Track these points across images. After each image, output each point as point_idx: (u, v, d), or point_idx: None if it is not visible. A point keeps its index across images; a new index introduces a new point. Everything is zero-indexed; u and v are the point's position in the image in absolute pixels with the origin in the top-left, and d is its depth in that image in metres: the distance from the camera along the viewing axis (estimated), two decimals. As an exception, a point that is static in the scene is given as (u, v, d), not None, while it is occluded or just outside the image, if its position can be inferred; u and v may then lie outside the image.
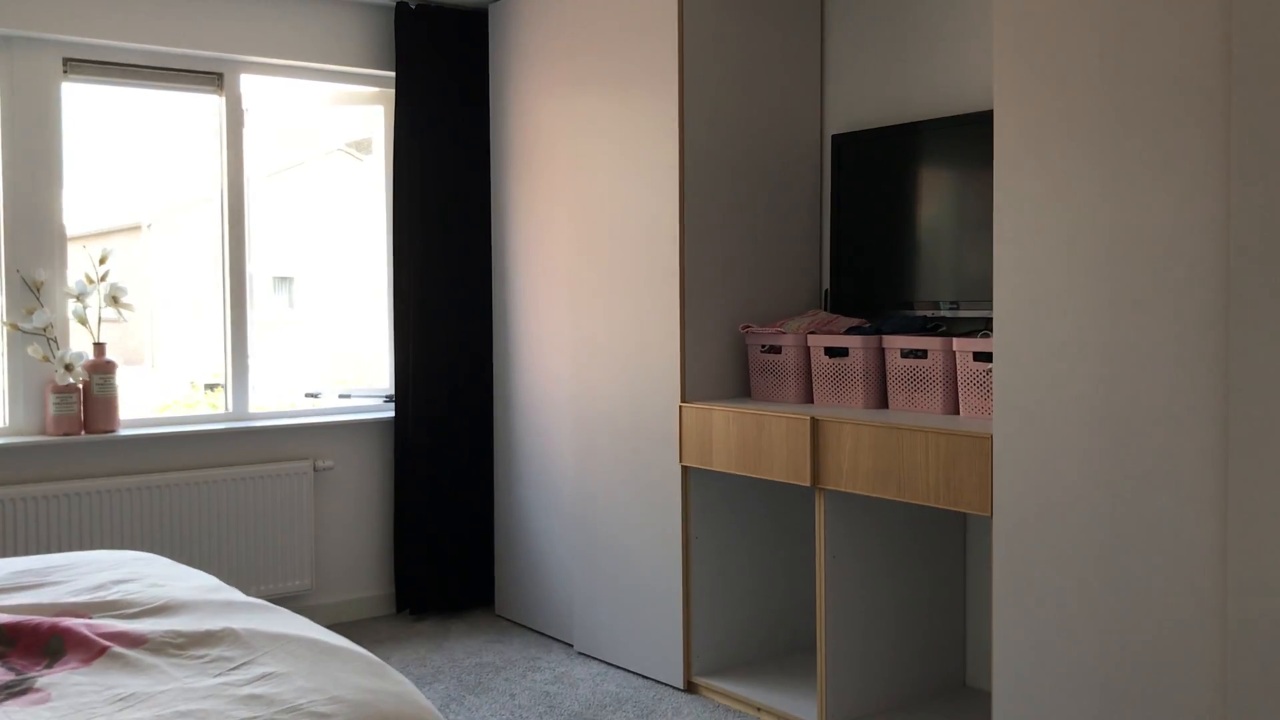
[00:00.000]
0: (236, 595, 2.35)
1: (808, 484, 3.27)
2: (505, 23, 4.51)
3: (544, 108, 4.32)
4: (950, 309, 3.49)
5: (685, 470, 3.70)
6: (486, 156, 4.67)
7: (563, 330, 4.25)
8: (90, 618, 2.19)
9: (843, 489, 3.19)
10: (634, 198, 3.84)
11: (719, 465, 3.57)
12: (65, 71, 4.04)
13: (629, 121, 3.85)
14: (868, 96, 3.84)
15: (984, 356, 3.09)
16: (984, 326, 3.31)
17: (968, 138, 3.39)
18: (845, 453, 3.17)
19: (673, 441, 3.73)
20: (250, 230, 4.46)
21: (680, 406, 3.70)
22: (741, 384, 3.83)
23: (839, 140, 3.84)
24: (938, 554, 3.58)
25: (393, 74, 4.54)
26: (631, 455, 3.90)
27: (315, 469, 4.46)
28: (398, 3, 4.47)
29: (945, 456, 2.89)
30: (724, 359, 3.80)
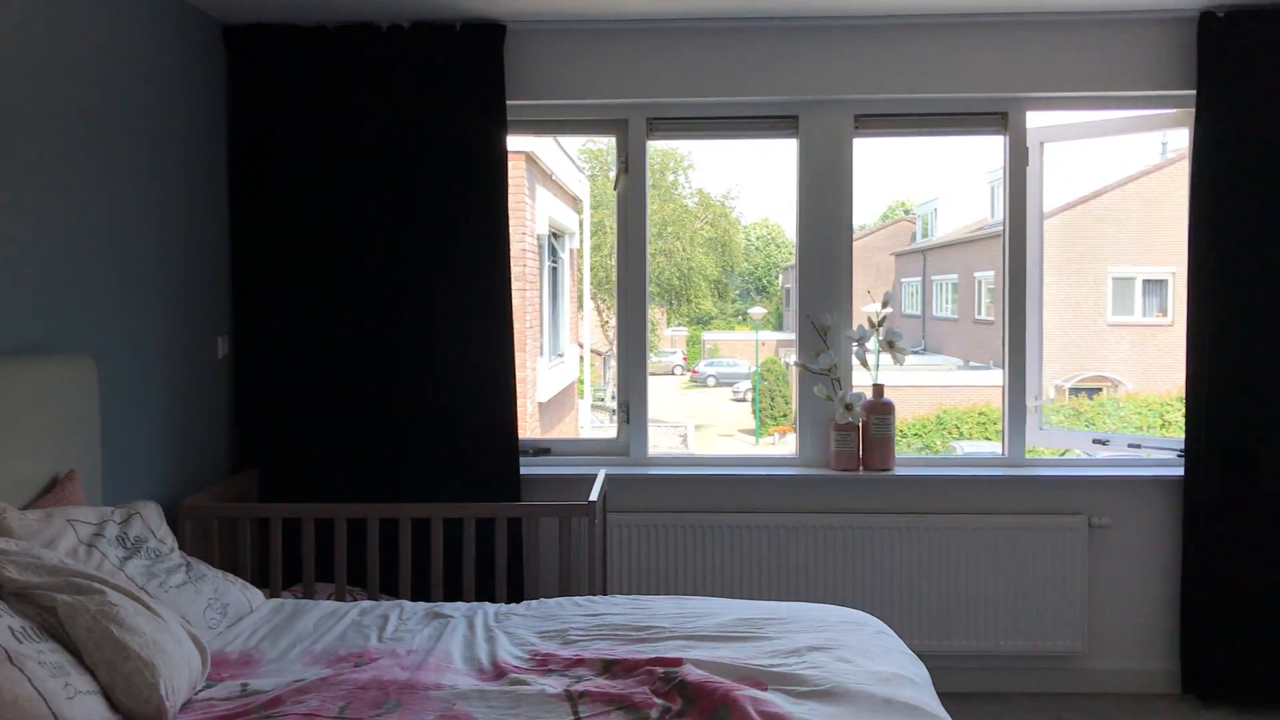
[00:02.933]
0: (905, 693, 2.28)
1: None
2: (1340, 11, 3.71)
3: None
4: None
5: None
6: (1312, 175, 3.89)
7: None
8: (766, 689, 2.30)
9: None
10: None
11: None
12: (856, 128, 4.29)
13: None
14: None
15: None
16: None
17: None
18: None
19: None
20: (1038, 266, 4.30)
21: None
22: None
23: None
24: None
25: (1191, 92, 4.01)
26: None
27: (1090, 525, 4.15)
28: (1202, 13, 3.93)
29: None
30: None
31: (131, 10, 3.39)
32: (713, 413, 28.36)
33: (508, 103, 4.14)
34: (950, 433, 18.17)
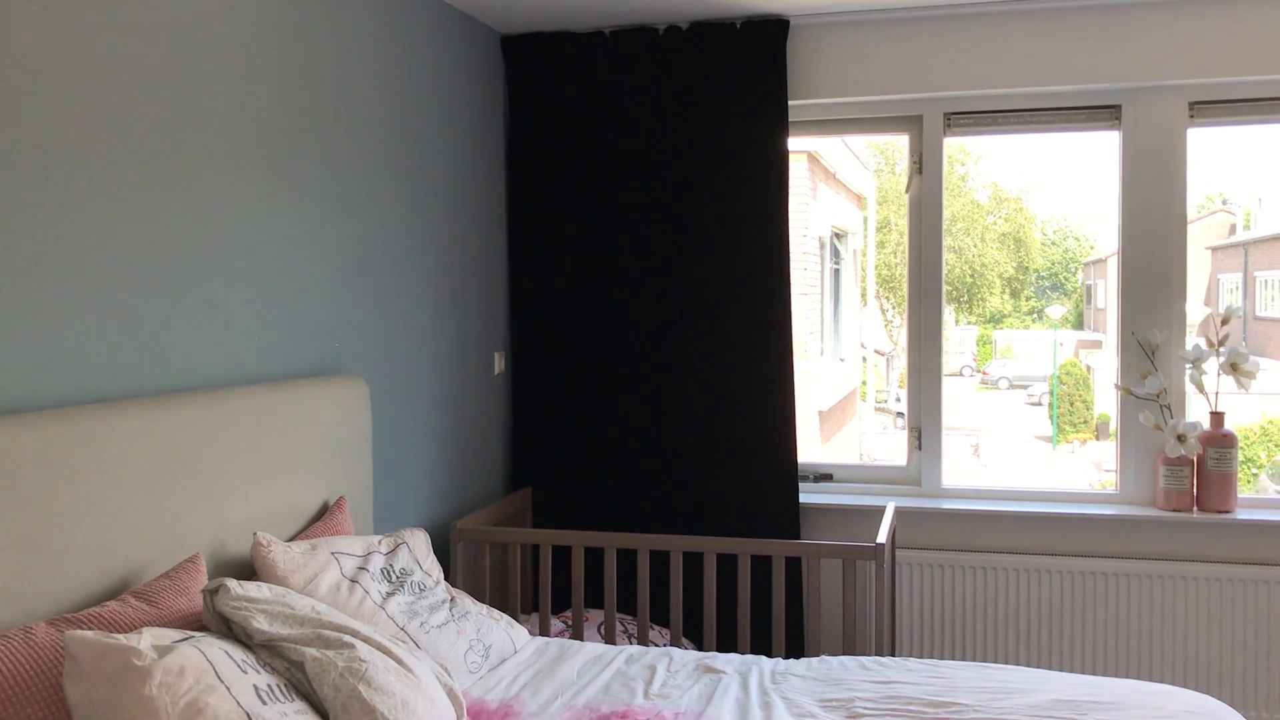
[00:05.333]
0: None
1: None
2: None
3: None
4: None
5: None
6: None
7: None
8: (1095, 801, 1.90)
9: None
10: None
11: None
12: (1191, 116, 3.71)
13: None
14: None
15: None
16: None
17: None
18: None
19: None
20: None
21: None
22: None
23: None
24: None
25: None
26: None
27: None
28: None
29: None
30: None
31: (415, 25, 3.35)
32: (1006, 417, 26.96)
33: (790, 103, 3.87)
34: (1278, 446, 16.35)
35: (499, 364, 3.99)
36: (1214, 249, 23.94)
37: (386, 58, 3.20)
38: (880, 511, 3.83)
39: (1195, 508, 3.68)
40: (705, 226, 3.87)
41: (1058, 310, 29.84)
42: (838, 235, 11.10)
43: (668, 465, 3.90)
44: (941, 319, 3.98)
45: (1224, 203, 26.93)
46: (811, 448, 8.35)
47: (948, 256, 24.80)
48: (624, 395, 3.94)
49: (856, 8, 3.74)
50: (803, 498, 3.88)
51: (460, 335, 3.67)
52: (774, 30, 3.80)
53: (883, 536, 3.15)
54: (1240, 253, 24.29)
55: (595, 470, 3.98)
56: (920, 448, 3.98)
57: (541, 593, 3.38)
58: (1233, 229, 27.11)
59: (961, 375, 32.14)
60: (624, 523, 3.94)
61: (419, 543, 2.77)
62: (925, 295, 3.95)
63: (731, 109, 3.83)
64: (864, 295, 12.96)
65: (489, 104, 3.91)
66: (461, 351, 3.68)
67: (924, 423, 3.97)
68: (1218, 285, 23.05)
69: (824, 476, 4.06)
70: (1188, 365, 3.72)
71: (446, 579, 3.43)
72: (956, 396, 27.90)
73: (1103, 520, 3.72)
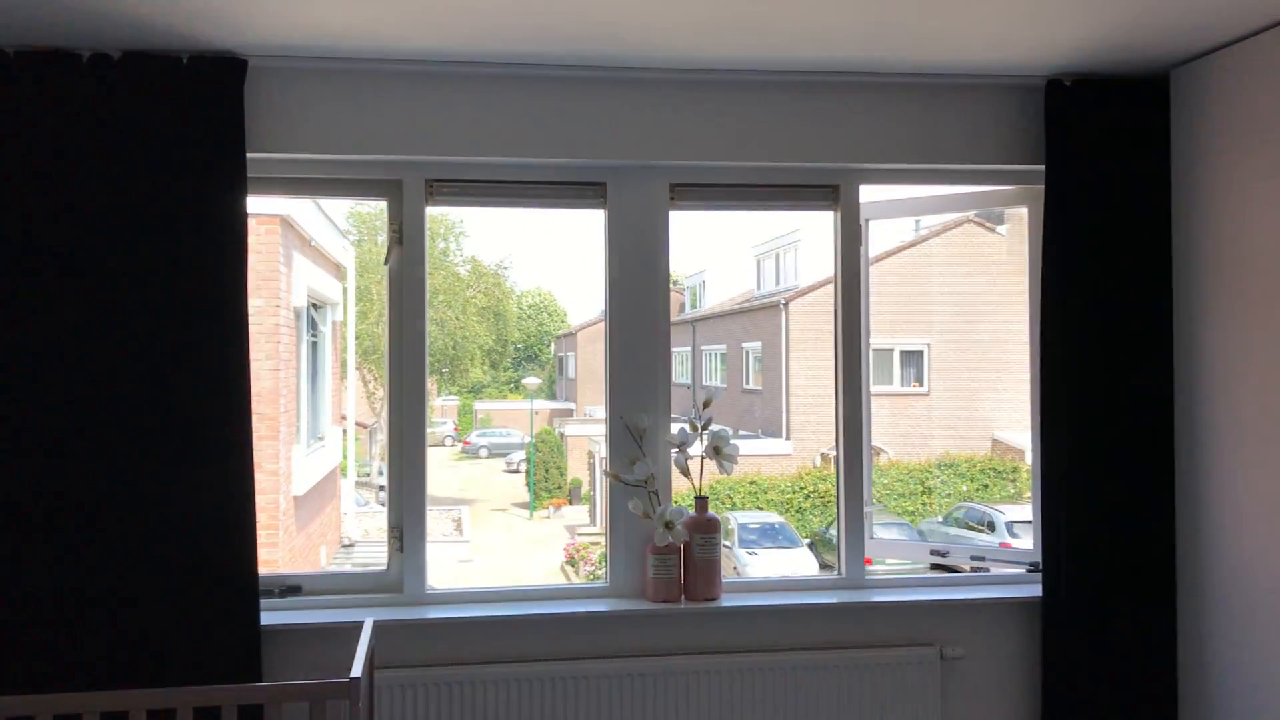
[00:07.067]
0: None
1: None
2: (1196, 91, 3.40)
3: (1259, 205, 3.14)
4: None
5: None
6: (1168, 269, 3.56)
7: (1291, 509, 3.01)
8: None
9: None
10: None
11: None
12: (672, 198, 3.68)
13: None
14: None
15: None
16: None
17: None
18: None
19: None
20: (866, 351, 3.81)
21: None
22: None
23: None
24: None
25: (1039, 167, 3.63)
26: None
27: (942, 657, 3.62)
28: (1048, 81, 3.56)
29: None
30: None
31: None
32: (486, 485, 27.45)
33: (250, 156, 3.31)
34: (724, 502, 17.99)
35: None
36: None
37: None
38: (357, 629, 3.33)
39: (684, 597, 3.59)
40: (145, 301, 3.18)
41: (533, 381, 31.11)
42: (315, 305, 10.47)
43: (86, 600, 3.11)
44: (426, 404, 3.59)
45: (674, 284, 29.75)
46: (281, 551, 7.56)
47: (431, 329, 24.90)
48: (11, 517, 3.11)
49: (328, 53, 3.30)
50: (265, 619, 3.28)
51: None
52: (228, 70, 3.23)
53: (358, 668, 2.65)
54: (689, 329, 26.88)
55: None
56: (402, 549, 3.55)
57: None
58: (682, 307, 29.98)
59: (444, 445, 32.41)
60: (31, 679, 3.09)
61: None
62: (408, 376, 3.55)
63: (174, 159, 3.20)
64: (344, 366, 12.37)
65: None
66: None
67: (406, 522, 3.54)
68: (670, 358, 25.29)
69: (291, 589, 3.48)
70: (674, 450, 3.64)
71: None
72: (439, 466, 28.00)
73: (596, 619, 3.50)
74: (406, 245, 3.55)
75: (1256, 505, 3.17)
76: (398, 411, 3.56)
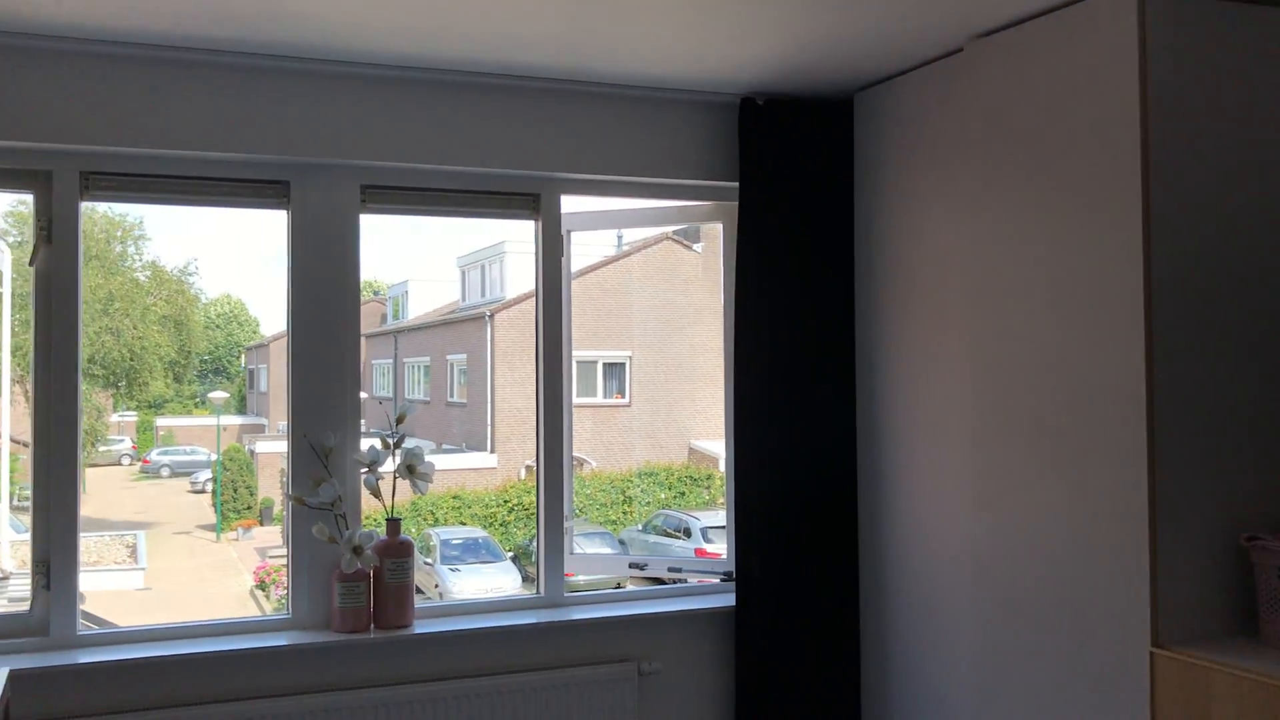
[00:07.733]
0: None
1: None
2: (877, 114, 3.57)
3: (930, 221, 3.33)
4: None
5: (1164, 751, 2.52)
6: (851, 280, 3.71)
7: (958, 514, 3.19)
8: None
9: None
10: (1073, 342, 2.75)
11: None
12: (364, 202, 3.47)
13: (1063, 242, 2.78)
14: None
15: None
16: None
17: None
18: None
19: (1139, 711, 2.56)
20: (568, 362, 3.74)
21: (1152, 654, 2.54)
22: (1245, 622, 2.61)
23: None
24: None
25: (734, 184, 3.70)
26: (1067, 714, 2.76)
27: (640, 673, 3.59)
28: (743, 99, 3.63)
29: None
30: (1219, 582, 2.60)
31: None
32: (168, 507, 25.59)
33: None
34: (425, 519, 17.62)
35: None
36: (368, 336, 25.47)
37: None
38: (-10, 681, 2.90)
39: (373, 626, 3.37)
40: None
41: (220, 395, 29.31)
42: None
43: None
44: (79, 418, 3.19)
45: (375, 294, 28.91)
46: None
47: (106, 339, 22.93)
48: None
49: (-44, 21, 2.88)
50: None
51: None
52: None
53: (-15, 730, 2.29)
54: (391, 340, 26.22)
55: None
56: (49, 586, 3.14)
57: None
58: (384, 318, 29.19)
59: (121, 465, 29.93)
60: None
61: None
62: (57, 385, 3.15)
63: None
64: (-2, 380, 11.11)
65: None
66: None
67: (54, 554, 3.14)
68: (372, 371, 24.52)
69: (-92, 639, 3.00)
70: (363, 469, 3.42)
71: None
72: (114, 488, 25.83)
73: (278, 654, 3.23)
74: (56, 244, 3.15)
75: (928, 504, 3.35)
76: (44, 427, 3.15)
